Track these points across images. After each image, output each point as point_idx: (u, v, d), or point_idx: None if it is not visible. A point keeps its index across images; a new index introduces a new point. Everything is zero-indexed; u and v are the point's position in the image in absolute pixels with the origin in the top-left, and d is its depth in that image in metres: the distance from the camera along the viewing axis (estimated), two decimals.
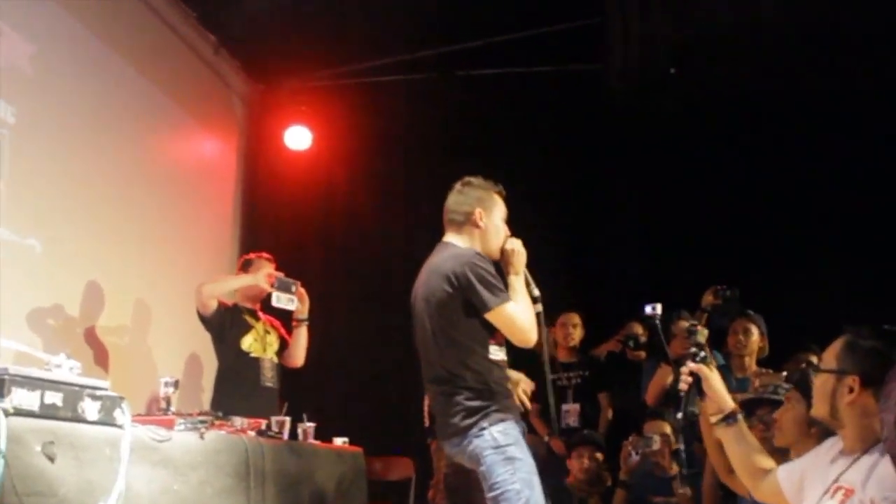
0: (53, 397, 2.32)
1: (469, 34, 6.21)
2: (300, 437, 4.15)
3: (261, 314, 4.86)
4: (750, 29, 5.70)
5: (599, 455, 5.02)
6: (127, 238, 5.04)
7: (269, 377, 4.72)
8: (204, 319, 4.60)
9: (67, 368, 2.41)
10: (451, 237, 3.38)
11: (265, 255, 4.88)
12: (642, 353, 5.62)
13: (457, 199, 3.39)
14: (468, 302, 3.16)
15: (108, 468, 2.43)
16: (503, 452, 3.05)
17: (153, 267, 5.29)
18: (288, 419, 3.96)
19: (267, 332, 4.81)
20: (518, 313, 3.21)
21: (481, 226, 3.33)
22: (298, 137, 6.67)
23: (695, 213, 6.37)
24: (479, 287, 3.14)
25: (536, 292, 3.35)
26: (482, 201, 3.36)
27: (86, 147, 4.72)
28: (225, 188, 6.56)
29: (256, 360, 4.69)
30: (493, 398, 3.14)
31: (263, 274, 4.64)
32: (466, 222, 3.34)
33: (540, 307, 3.34)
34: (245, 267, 4.85)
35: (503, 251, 3.35)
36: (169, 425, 2.93)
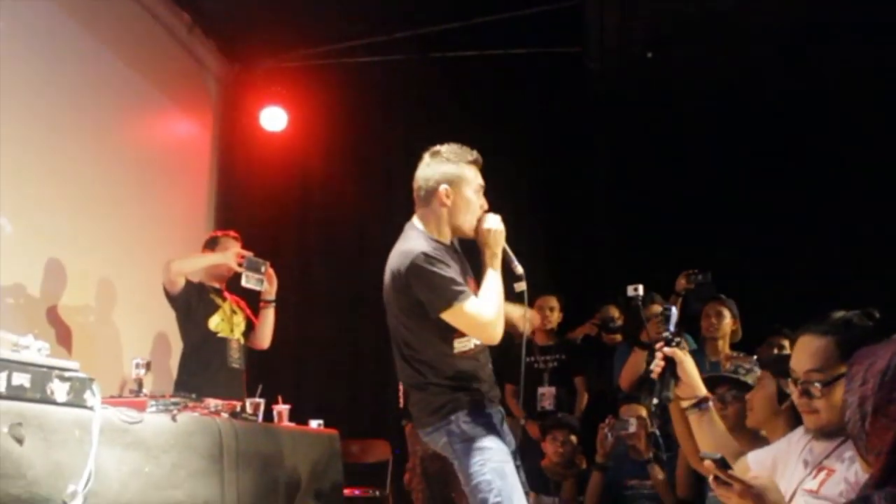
0: (21, 378, 2.27)
1: (446, 16, 6.17)
2: (275, 419, 4.13)
3: (227, 294, 4.77)
4: (727, 15, 5.70)
5: (574, 438, 5.03)
6: (97, 218, 4.96)
7: (235, 358, 4.62)
8: (171, 297, 4.50)
9: (35, 349, 2.37)
10: (416, 217, 3.14)
11: (232, 233, 4.78)
12: (618, 337, 5.65)
13: (423, 173, 3.12)
14: (418, 300, 2.95)
15: (77, 450, 2.39)
16: (472, 443, 2.94)
17: (124, 247, 5.21)
18: (262, 401, 3.92)
19: (234, 312, 4.71)
20: (478, 311, 2.94)
21: (448, 204, 3.07)
22: (274, 118, 6.61)
23: (671, 196, 6.40)
24: (426, 291, 2.91)
25: (520, 269, 3.11)
26: (447, 176, 3.07)
27: (55, 126, 4.64)
28: (199, 169, 6.49)
29: (223, 341, 4.59)
30: (458, 390, 3.01)
31: (233, 253, 4.54)
32: (432, 200, 3.08)
33: (524, 285, 3.12)
34: (211, 245, 4.72)
35: (479, 231, 3.09)
36: (141, 407, 2.90)
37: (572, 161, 6.84)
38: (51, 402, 2.36)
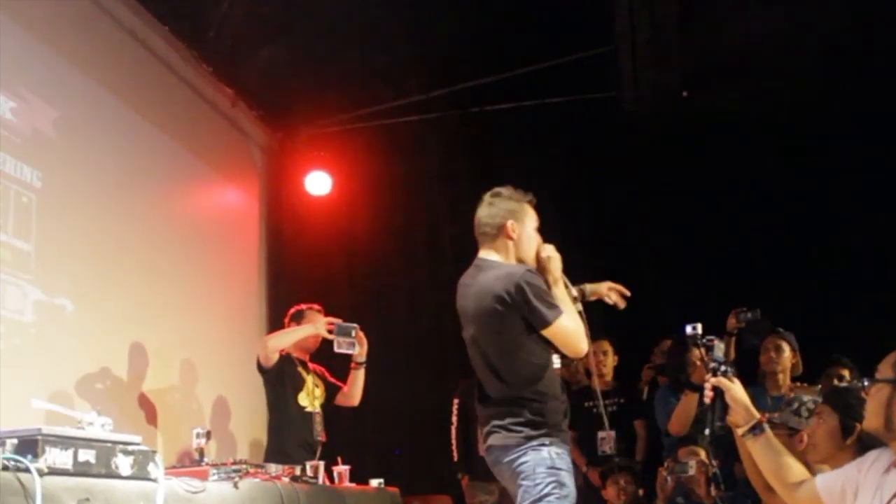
0: (87, 454, 2.34)
1: (481, 71, 6.27)
2: (335, 480, 4.15)
3: (311, 365, 4.88)
4: (760, 51, 5.71)
5: (635, 482, 4.96)
6: (158, 294, 5.09)
7: (319, 431, 4.74)
8: (264, 370, 4.62)
9: (99, 425, 2.44)
10: (485, 252, 3.36)
11: (315, 306, 4.89)
12: None
13: (488, 212, 3.36)
14: (524, 320, 3.15)
15: None
16: (556, 474, 3.06)
17: (192, 321, 5.37)
18: (322, 463, 3.96)
19: (315, 385, 4.83)
20: (571, 325, 3.20)
21: (514, 237, 3.31)
22: (319, 183, 6.74)
23: (719, 233, 6.35)
24: (536, 303, 3.13)
25: (575, 292, 3.35)
26: (513, 212, 3.33)
27: (112, 206, 4.80)
28: (250, 237, 6.62)
29: (310, 415, 4.72)
30: (554, 419, 3.16)
31: (323, 322, 4.66)
32: (500, 235, 3.32)
33: (580, 306, 3.32)
34: (296, 318, 4.85)
35: (539, 259, 3.32)
36: (203, 476, 2.94)
37: (615, 205, 6.83)
38: (116, 476, 2.42)
